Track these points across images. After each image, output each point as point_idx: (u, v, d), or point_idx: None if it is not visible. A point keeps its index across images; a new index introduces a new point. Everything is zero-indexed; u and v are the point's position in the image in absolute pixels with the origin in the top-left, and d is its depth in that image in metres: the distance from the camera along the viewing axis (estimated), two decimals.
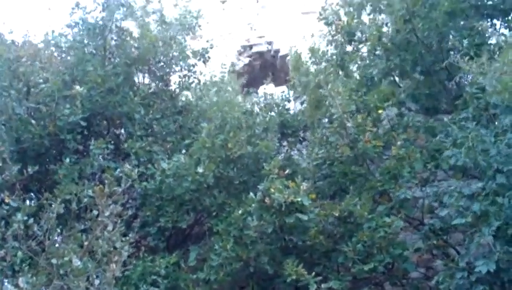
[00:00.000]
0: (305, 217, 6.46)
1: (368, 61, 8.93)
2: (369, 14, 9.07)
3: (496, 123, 6.25)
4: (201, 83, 9.94)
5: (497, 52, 7.21)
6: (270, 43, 14.03)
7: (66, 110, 8.01)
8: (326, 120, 8.31)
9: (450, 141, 6.21)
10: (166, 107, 9.49)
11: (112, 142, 8.25)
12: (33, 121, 7.94)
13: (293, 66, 9.50)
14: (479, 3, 8.22)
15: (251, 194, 6.90)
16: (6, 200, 5.64)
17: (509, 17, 8.38)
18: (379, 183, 6.98)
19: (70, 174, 7.47)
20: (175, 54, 9.67)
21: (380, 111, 7.76)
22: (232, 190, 8.02)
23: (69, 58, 9.04)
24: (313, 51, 9.25)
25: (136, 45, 9.29)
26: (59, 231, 5.48)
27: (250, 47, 14.16)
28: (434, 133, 7.52)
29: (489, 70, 6.22)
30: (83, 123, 8.10)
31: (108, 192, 5.25)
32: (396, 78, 8.82)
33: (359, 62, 9.14)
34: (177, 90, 9.87)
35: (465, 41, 7.30)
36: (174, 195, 7.71)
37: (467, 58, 6.67)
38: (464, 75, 7.69)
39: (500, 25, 8.47)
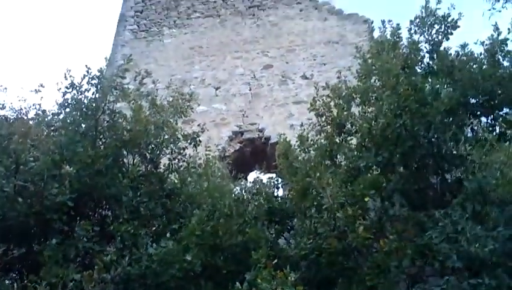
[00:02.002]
0: None
1: (356, 153, 9.00)
2: (358, 106, 9.23)
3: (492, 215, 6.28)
4: (191, 167, 9.92)
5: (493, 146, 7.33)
6: (261, 130, 14.23)
7: (54, 189, 7.94)
8: (314, 209, 8.28)
9: (440, 236, 6.19)
10: (154, 190, 9.41)
11: (98, 223, 8.13)
12: (20, 199, 7.85)
13: (281, 153, 9.56)
14: (467, 101, 8.44)
15: (237, 284, 6.75)
16: None
17: (495, 115, 8.59)
18: (368, 277, 6.88)
19: (55, 256, 7.32)
20: (166, 136, 9.70)
21: (366, 199, 7.75)
22: (219, 279, 7.84)
23: (60, 138, 9.05)
24: (301, 139, 9.34)
25: (128, 127, 9.33)
26: None
27: (242, 133, 14.34)
28: (423, 227, 7.51)
29: (491, 161, 6.30)
30: (70, 203, 8.00)
31: (97, 278, 5.13)
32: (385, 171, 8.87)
33: (348, 153, 9.21)
34: (166, 173, 9.84)
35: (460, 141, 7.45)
36: (158, 282, 7.51)
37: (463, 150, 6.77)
38: (454, 170, 7.78)
39: (489, 122, 8.68)
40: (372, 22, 9.37)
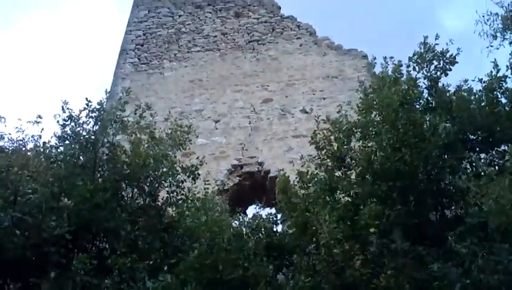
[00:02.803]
0: None
1: (356, 186, 8.99)
2: (358, 141, 9.24)
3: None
4: (189, 201, 9.88)
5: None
6: (260, 164, 14.20)
7: (52, 222, 7.91)
8: (313, 245, 8.24)
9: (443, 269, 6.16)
10: (153, 223, 9.38)
11: (96, 257, 8.08)
12: (17, 231, 7.81)
13: (280, 188, 9.53)
14: (466, 137, 8.47)
15: None
16: None
17: (494, 151, 8.60)
18: None
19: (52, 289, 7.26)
20: (164, 169, 9.68)
21: (371, 229, 7.70)
22: None
23: (59, 170, 9.03)
24: (301, 175, 9.32)
25: (127, 160, 9.33)
26: None
27: (241, 167, 14.31)
28: (422, 261, 7.47)
29: (487, 193, 6.32)
30: (68, 236, 7.98)
31: None
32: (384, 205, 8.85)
33: (347, 186, 9.20)
34: (164, 206, 9.80)
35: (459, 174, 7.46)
36: None
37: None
38: (453, 206, 7.78)
39: (487, 158, 8.68)
40: (374, 59, 9.42)
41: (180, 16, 18.77)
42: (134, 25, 18.68)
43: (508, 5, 8.85)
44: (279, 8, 18.55)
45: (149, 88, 16.51)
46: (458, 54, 8.82)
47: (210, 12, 18.69)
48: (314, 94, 15.64)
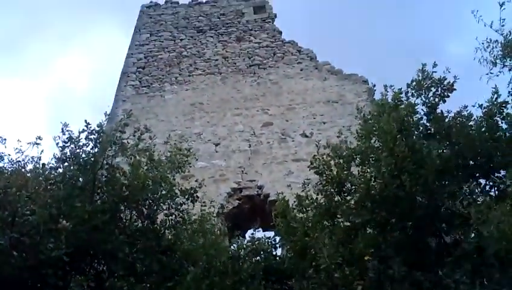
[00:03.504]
0: None
1: (355, 212, 8.98)
2: (358, 166, 9.25)
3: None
4: (187, 223, 9.86)
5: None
6: (260, 187, 14.18)
7: (50, 244, 7.89)
8: (312, 270, 8.20)
9: None
10: (151, 245, 9.35)
11: (93, 279, 8.04)
12: (15, 253, 7.78)
13: (279, 212, 9.51)
14: (464, 163, 8.48)
15: None
16: None
17: (495, 177, 8.61)
18: None
19: None
20: (163, 192, 9.68)
21: (366, 258, 7.69)
22: None
23: (58, 192, 9.02)
24: (299, 199, 9.32)
25: (126, 182, 9.32)
26: None
27: (240, 190, 14.28)
28: (420, 287, 7.44)
29: (488, 219, 6.32)
30: (66, 258, 7.94)
31: None
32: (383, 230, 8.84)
33: (346, 212, 9.18)
34: (163, 228, 9.77)
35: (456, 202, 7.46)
36: None
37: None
38: (453, 232, 7.77)
39: (486, 184, 8.68)
40: (374, 85, 9.52)
41: (181, 39, 18.97)
42: (136, 48, 18.85)
43: (508, 33, 8.90)
44: (280, 32, 18.75)
45: (150, 111, 16.58)
46: (455, 81, 8.88)
47: (212, 37, 18.90)
48: (314, 118, 15.71)
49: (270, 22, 19.22)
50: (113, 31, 57.90)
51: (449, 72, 8.88)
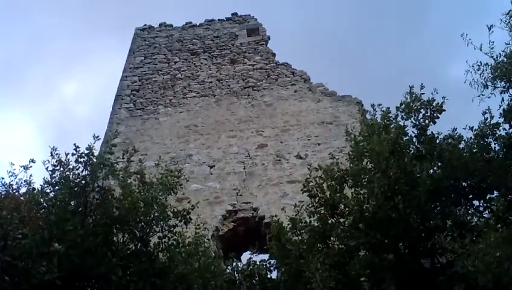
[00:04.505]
0: None
1: (349, 234, 8.96)
2: (350, 188, 9.25)
3: None
4: (181, 246, 9.79)
5: (480, 233, 7.34)
6: (255, 209, 14.13)
7: (42, 267, 7.83)
8: None
9: None
10: (144, 268, 9.28)
11: None
12: (6, 277, 7.72)
13: (274, 235, 9.49)
14: (457, 184, 8.51)
15: None
16: None
17: (488, 198, 8.63)
18: None
19: None
20: (156, 214, 9.62)
21: (362, 279, 7.66)
22: None
23: (50, 215, 8.97)
24: (293, 222, 9.30)
25: (117, 205, 9.28)
26: None
27: (235, 212, 14.22)
28: None
29: (473, 252, 6.31)
30: (58, 282, 7.88)
31: None
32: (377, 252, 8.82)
33: (340, 234, 9.17)
34: (156, 251, 9.70)
35: (448, 222, 7.46)
36: None
37: (450, 238, 6.79)
38: (446, 255, 7.76)
39: (480, 205, 8.70)
40: (363, 106, 9.55)
41: (175, 62, 19.05)
42: (130, 71, 18.91)
43: (498, 55, 9.00)
44: (274, 54, 18.84)
45: (144, 133, 16.58)
46: (444, 102, 8.92)
47: (206, 59, 18.98)
48: (309, 140, 15.71)
49: (263, 44, 19.32)
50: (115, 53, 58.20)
51: (437, 93, 8.94)
